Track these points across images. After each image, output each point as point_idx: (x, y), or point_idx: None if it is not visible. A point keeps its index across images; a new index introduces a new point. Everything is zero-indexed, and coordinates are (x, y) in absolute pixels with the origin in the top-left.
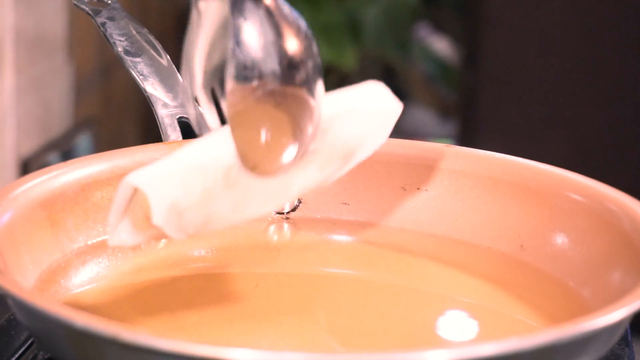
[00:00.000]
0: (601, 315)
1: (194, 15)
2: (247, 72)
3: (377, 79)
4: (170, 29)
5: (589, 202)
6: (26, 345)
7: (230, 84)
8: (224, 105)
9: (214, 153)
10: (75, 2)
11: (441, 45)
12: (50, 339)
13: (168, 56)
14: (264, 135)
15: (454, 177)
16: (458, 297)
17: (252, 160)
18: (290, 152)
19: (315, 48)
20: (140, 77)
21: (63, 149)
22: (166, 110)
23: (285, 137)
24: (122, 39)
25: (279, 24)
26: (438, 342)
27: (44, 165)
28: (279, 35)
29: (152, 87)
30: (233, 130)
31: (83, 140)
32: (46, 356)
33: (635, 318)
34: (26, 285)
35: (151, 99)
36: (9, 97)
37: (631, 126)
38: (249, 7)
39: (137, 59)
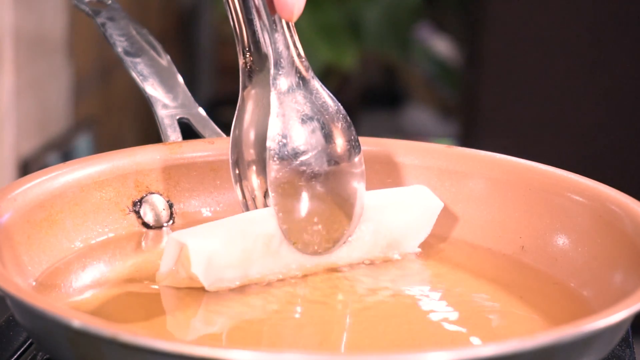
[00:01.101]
0: (602, 317)
1: (240, 100)
2: (286, 156)
3: (378, 79)
4: (171, 29)
5: (590, 203)
6: (25, 346)
7: (270, 163)
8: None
9: (258, 222)
10: (75, 2)
11: (442, 45)
12: (49, 339)
13: (168, 56)
14: (304, 215)
15: (455, 178)
16: (459, 297)
17: (293, 237)
18: (330, 235)
19: (353, 134)
20: (140, 77)
21: (63, 149)
22: (166, 111)
23: (326, 220)
24: (122, 39)
25: (319, 112)
26: (439, 343)
27: (43, 165)
28: (319, 124)
29: (152, 88)
30: (274, 204)
31: (83, 140)
32: (45, 357)
33: (637, 319)
34: (25, 286)
35: (151, 100)
36: (9, 97)
37: (633, 127)
38: (288, 96)
39: (137, 60)
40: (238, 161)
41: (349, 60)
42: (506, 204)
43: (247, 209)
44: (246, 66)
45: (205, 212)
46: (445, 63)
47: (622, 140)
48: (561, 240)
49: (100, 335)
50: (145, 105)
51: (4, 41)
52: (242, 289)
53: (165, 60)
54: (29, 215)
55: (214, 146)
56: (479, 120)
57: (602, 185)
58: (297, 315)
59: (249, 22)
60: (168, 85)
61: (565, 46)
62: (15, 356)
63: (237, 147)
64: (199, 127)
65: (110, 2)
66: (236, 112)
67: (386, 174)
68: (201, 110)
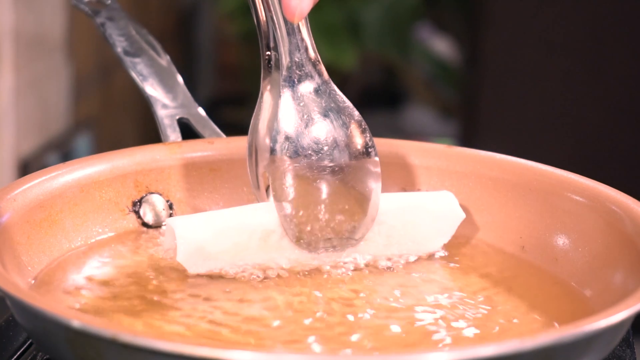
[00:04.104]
0: (603, 317)
1: (260, 92)
2: (291, 156)
3: (378, 79)
4: (170, 28)
5: (590, 204)
6: (25, 346)
7: (273, 162)
8: (267, 173)
9: (256, 216)
10: (74, 2)
11: (442, 45)
12: (48, 339)
13: (168, 56)
14: (310, 214)
15: (455, 178)
16: (458, 297)
17: (295, 235)
18: (337, 235)
19: (368, 137)
20: (140, 77)
21: (62, 150)
22: (166, 111)
23: (334, 220)
24: (122, 39)
25: (332, 115)
26: (440, 343)
27: (43, 165)
28: (330, 126)
29: (152, 88)
30: (277, 201)
31: (82, 140)
32: (45, 357)
33: (637, 319)
34: (24, 286)
35: (150, 100)
36: (8, 97)
37: (633, 127)
38: (299, 98)
39: (137, 60)
40: (254, 149)
41: (348, 60)
42: (506, 204)
43: (259, 195)
44: (267, 62)
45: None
46: (445, 63)
47: (622, 140)
48: (561, 241)
49: (100, 335)
50: (145, 105)
51: (4, 41)
52: (241, 283)
53: (164, 60)
54: (29, 215)
55: (214, 146)
56: (478, 120)
57: (602, 185)
58: (290, 313)
59: (271, 20)
60: (168, 85)
61: (565, 46)
62: (15, 356)
63: (254, 136)
64: (198, 127)
65: (109, 2)
66: (257, 102)
67: (386, 174)
68: (201, 110)
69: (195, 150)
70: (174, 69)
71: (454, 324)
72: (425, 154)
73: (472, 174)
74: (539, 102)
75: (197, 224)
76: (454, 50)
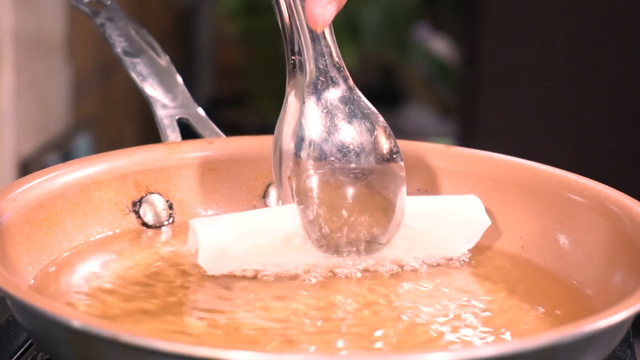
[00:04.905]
0: (603, 317)
1: (284, 104)
2: (315, 160)
3: (376, 79)
4: (170, 29)
5: (589, 203)
6: (25, 346)
7: (297, 160)
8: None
9: (279, 219)
10: (74, 2)
11: (441, 45)
12: (49, 339)
13: (167, 57)
14: (334, 219)
15: (454, 178)
16: (459, 297)
17: (319, 240)
18: (361, 239)
19: (393, 142)
20: (140, 77)
21: (62, 150)
22: (165, 111)
23: (358, 225)
24: (121, 39)
25: (356, 121)
26: (440, 343)
27: (43, 165)
28: (354, 132)
29: (152, 88)
30: (299, 204)
31: (82, 140)
32: (45, 357)
33: (637, 319)
34: (24, 286)
35: (150, 100)
36: (8, 98)
37: (632, 126)
38: (323, 104)
39: (136, 60)
40: (278, 151)
41: (347, 60)
42: (506, 204)
43: (283, 195)
44: (292, 66)
45: (204, 212)
46: (444, 63)
47: (622, 140)
48: (561, 241)
49: (100, 335)
50: (144, 105)
51: (4, 41)
52: (260, 286)
53: (164, 60)
54: (29, 215)
55: (213, 146)
56: (477, 120)
57: (602, 185)
58: (310, 315)
59: (295, 26)
60: (167, 86)
61: (564, 46)
62: (15, 356)
63: (279, 139)
64: (198, 127)
65: (109, 2)
66: (282, 105)
67: None
68: (200, 110)
69: (195, 150)
70: (173, 69)
71: (455, 325)
72: (424, 154)
73: (471, 174)
74: (538, 102)
75: (220, 226)
76: (453, 50)
